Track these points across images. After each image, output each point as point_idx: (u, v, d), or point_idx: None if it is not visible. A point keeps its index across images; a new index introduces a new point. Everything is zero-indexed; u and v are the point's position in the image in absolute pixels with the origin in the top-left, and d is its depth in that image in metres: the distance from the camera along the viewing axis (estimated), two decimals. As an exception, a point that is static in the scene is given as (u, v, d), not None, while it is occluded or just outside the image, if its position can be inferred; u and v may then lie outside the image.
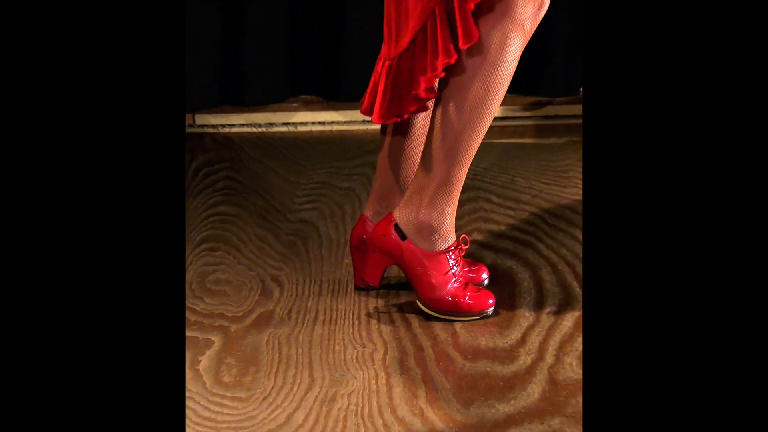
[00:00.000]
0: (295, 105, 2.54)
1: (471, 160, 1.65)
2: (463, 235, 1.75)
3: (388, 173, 1.79)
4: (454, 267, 1.71)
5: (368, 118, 2.48)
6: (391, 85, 1.64)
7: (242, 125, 2.53)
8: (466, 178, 1.72)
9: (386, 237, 1.71)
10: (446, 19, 1.56)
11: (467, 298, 1.72)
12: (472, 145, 1.64)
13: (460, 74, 1.60)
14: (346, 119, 2.52)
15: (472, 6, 1.55)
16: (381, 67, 1.68)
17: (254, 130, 2.53)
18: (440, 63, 1.58)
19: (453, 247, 1.71)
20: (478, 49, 1.58)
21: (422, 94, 1.62)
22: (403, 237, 1.71)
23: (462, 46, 1.56)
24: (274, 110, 2.52)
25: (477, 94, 1.60)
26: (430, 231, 1.70)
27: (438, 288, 1.71)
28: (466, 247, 1.74)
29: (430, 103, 1.68)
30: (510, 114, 2.52)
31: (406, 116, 1.67)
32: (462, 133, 1.62)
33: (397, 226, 1.71)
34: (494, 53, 1.58)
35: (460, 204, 2.13)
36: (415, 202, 1.69)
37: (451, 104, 1.62)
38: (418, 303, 1.74)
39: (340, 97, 2.49)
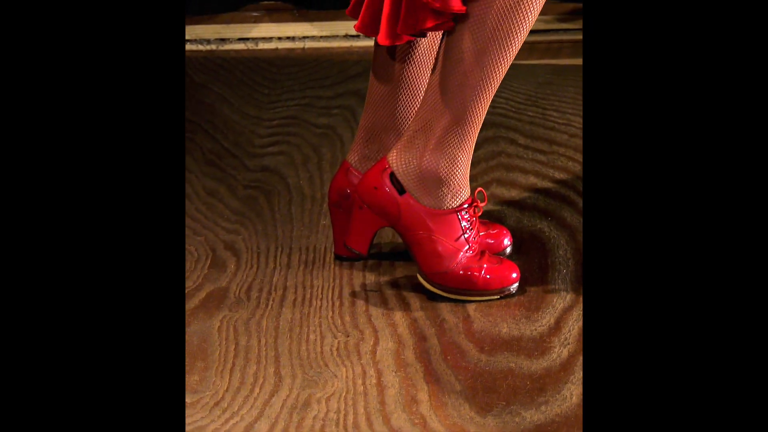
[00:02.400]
0: (255, 15, 2.54)
1: (493, 93, 1.67)
2: (479, 189, 1.77)
3: (381, 106, 1.80)
4: (468, 231, 1.73)
5: (353, 32, 2.48)
6: None
7: (187, 41, 2.53)
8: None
9: (378, 190, 1.73)
10: None
11: (484, 272, 1.74)
12: (496, 71, 1.65)
13: None
14: (323, 33, 2.53)
15: None
16: None
17: (200, 47, 2.54)
18: None
19: (466, 205, 1.73)
20: None
21: (439, 5, 1.60)
22: (401, 190, 1.72)
23: None
24: (227, 21, 2.53)
25: (505, 1, 1.61)
26: (436, 183, 1.71)
27: (446, 258, 1.73)
28: (483, 205, 1.76)
29: None
30: (542, 26, 2.53)
31: (427, 31, 1.67)
32: (484, 54, 1.63)
33: (393, 176, 1.72)
34: None
35: (476, 146, 2.14)
36: (419, 144, 1.71)
37: (473, 16, 1.62)
38: (420, 278, 1.76)
39: (315, 4, 2.50)
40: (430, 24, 1.63)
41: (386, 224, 1.75)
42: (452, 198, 1.72)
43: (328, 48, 2.53)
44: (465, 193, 1.72)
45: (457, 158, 1.70)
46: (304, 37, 2.54)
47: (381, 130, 1.81)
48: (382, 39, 1.68)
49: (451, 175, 1.71)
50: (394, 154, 1.73)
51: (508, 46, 1.63)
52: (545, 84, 2.40)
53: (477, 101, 1.66)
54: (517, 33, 1.63)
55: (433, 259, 1.73)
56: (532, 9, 1.62)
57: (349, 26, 2.49)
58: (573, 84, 2.41)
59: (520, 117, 2.27)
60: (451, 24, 1.64)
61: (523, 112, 2.30)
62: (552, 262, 1.85)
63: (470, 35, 1.63)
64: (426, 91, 1.70)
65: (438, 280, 1.74)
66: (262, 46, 2.55)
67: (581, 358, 1.63)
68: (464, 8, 1.62)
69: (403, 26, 1.65)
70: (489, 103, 1.68)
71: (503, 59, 1.64)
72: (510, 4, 1.61)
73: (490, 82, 1.65)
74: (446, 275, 1.74)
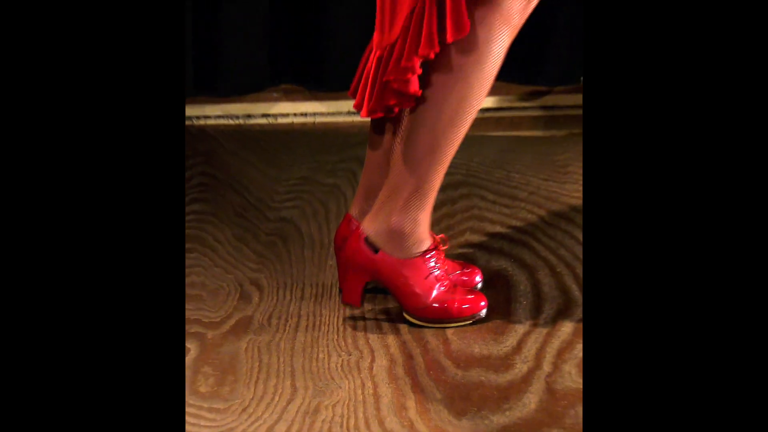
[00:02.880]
0: (275, 95, 2.55)
1: (448, 163, 1.66)
2: (441, 236, 1.77)
3: (376, 169, 1.80)
4: (436, 269, 1.73)
5: (354, 110, 2.49)
6: (381, 78, 1.64)
7: (218, 117, 2.54)
8: (460, 173, 1.73)
9: (358, 253, 1.73)
10: (436, 7, 1.55)
11: (457, 303, 1.74)
12: (450, 148, 1.64)
13: (442, 69, 1.59)
14: (330, 110, 2.53)
15: None
16: (372, 57, 1.67)
17: (231, 122, 2.54)
18: (420, 53, 1.56)
19: (431, 249, 1.73)
20: (463, 43, 1.57)
21: (396, 86, 1.60)
22: (376, 250, 1.72)
23: (450, 38, 1.54)
24: (252, 101, 2.53)
25: (459, 92, 1.60)
26: (402, 238, 1.71)
27: (423, 296, 1.73)
28: (445, 247, 1.76)
29: None
30: (506, 104, 2.53)
31: (396, 110, 1.67)
32: (441, 134, 1.63)
33: (367, 239, 1.72)
34: (480, 49, 1.57)
35: (453, 201, 2.15)
36: (386, 210, 1.70)
37: (430, 102, 1.62)
38: (406, 315, 1.75)
39: (324, 86, 2.50)
40: (392, 102, 1.63)
41: (370, 279, 1.74)
42: (417, 248, 1.72)
43: (334, 122, 2.52)
44: (427, 242, 1.72)
45: (418, 218, 1.69)
46: (315, 113, 2.54)
47: (376, 189, 1.80)
48: (363, 113, 1.67)
49: (414, 231, 1.70)
50: (367, 221, 1.72)
51: (459, 128, 1.62)
52: (509, 151, 2.38)
53: (434, 172, 1.65)
54: (466, 118, 1.62)
55: (412, 298, 1.73)
56: (478, 99, 1.61)
57: (350, 105, 2.49)
58: (531, 151, 2.40)
59: (489, 178, 2.27)
60: (412, 103, 1.63)
61: (491, 174, 2.29)
62: (515, 295, 1.85)
63: (429, 119, 1.62)
64: (392, 164, 1.69)
65: (420, 314, 1.74)
66: (280, 120, 2.55)
67: (538, 372, 1.63)
68: (420, 92, 1.60)
69: (373, 103, 1.65)
70: (444, 173, 1.66)
71: (455, 139, 1.63)
72: (462, 96, 1.60)
73: (445, 157, 1.64)
74: (426, 309, 1.73)
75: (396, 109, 1.66)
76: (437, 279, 1.74)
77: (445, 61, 1.59)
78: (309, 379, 1.62)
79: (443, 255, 1.76)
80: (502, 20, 1.56)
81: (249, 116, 2.54)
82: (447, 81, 1.60)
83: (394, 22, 1.61)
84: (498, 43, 1.58)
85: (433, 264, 1.73)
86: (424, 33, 1.55)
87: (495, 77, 1.61)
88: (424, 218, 1.70)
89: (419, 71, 1.59)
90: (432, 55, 1.57)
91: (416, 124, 1.64)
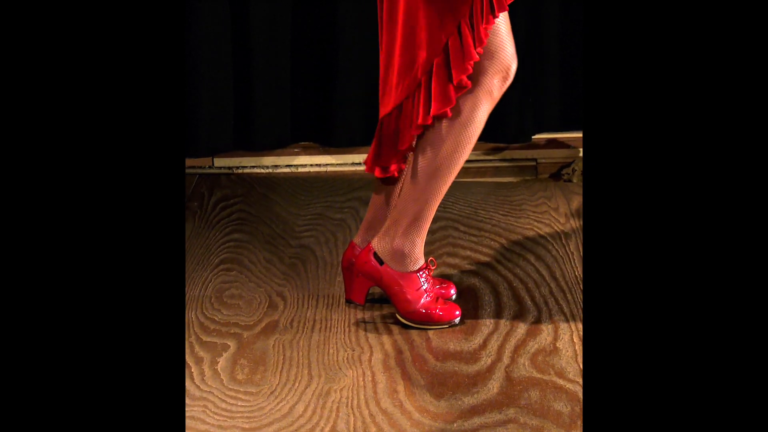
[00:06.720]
0: (296, 150, 2.56)
1: (440, 200, 1.68)
2: (431, 258, 1.78)
3: (380, 209, 1.79)
4: (425, 284, 1.74)
5: (356, 161, 2.51)
6: (376, 141, 1.67)
7: (253, 167, 2.55)
8: (438, 210, 1.74)
9: (367, 264, 1.74)
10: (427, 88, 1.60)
11: (438, 310, 1.74)
12: (441, 190, 1.67)
13: (437, 130, 1.63)
14: (338, 162, 2.55)
15: (457, 80, 1.58)
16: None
17: (262, 171, 2.55)
18: (421, 120, 1.61)
19: (423, 268, 1.73)
20: (455, 110, 1.62)
21: (400, 147, 1.64)
22: (381, 262, 1.73)
23: (440, 110, 1.60)
24: (278, 154, 2.54)
25: (449, 147, 1.63)
26: (403, 256, 1.72)
27: (413, 302, 1.73)
28: (434, 268, 1.76)
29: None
30: (474, 157, 2.55)
31: (393, 167, 1.69)
32: (434, 179, 1.65)
33: (375, 254, 1.73)
34: (466, 115, 1.62)
35: (433, 232, 2.16)
36: (391, 233, 1.71)
37: (427, 154, 1.64)
38: (397, 316, 1.75)
39: (333, 143, 2.52)
40: (393, 161, 1.69)
41: (373, 284, 1.75)
42: (413, 265, 1.72)
43: (342, 171, 2.53)
44: (421, 261, 1.73)
45: (415, 241, 1.71)
46: (327, 164, 2.55)
47: (378, 224, 1.80)
48: (366, 169, 1.72)
49: (412, 252, 1.71)
50: (376, 240, 1.73)
51: (448, 175, 1.65)
52: (476, 193, 2.39)
53: (430, 207, 1.68)
54: (453, 169, 1.65)
55: (404, 304, 1.73)
56: (463, 155, 1.64)
57: (354, 158, 2.50)
58: (493, 193, 2.39)
59: (461, 214, 2.27)
60: (404, 163, 1.67)
61: (463, 211, 2.29)
62: (481, 304, 1.85)
63: (426, 167, 1.65)
64: (399, 198, 1.71)
65: (409, 317, 1.74)
66: (300, 170, 2.55)
67: (499, 364, 1.63)
68: (411, 151, 1.65)
69: (372, 164, 1.70)
70: (437, 208, 1.69)
71: (445, 183, 1.66)
72: (451, 150, 1.63)
73: (436, 197, 1.67)
74: (414, 313, 1.73)
75: (393, 167, 1.67)
76: (425, 291, 1.74)
77: (439, 124, 1.62)
78: (322, 369, 1.62)
79: (431, 273, 1.77)
80: (483, 94, 1.61)
81: (276, 166, 2.55)
82: (440, 140, 1.63)
83: (389, 101, 1.64)
84: (480, 111, 1.62)
85: (423, 280, 1.73)
86: (421, 107, 1.60)
87: (477, 138, 1.65)
88: (420, 242, 1.71)
89: (418, 132, 1.64)
90: (430, 121, 1.61)
91: (415, 171, 1.66)
